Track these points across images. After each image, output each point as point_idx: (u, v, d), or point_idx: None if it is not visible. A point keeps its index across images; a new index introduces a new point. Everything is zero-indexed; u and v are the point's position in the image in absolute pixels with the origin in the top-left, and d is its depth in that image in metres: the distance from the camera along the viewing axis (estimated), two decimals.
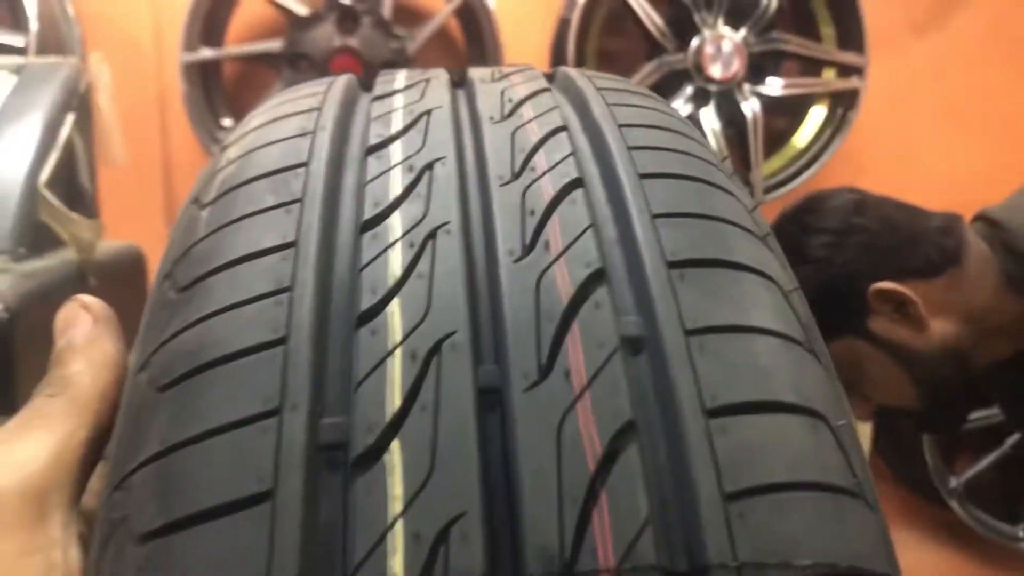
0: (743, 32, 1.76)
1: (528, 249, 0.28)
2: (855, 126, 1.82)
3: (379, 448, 0.23)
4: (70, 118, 0.98)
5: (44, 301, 0.81)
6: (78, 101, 1.02)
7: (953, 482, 1.79)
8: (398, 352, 0.25)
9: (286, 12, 1.73)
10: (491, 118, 0.34)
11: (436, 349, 0.25)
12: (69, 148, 0.97)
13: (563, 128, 0.33)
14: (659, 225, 0.29)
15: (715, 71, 1.73)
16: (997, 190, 1.22)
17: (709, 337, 0.26)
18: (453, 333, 0.25)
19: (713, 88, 1.75)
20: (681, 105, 1.75)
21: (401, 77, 0.39)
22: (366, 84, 0.40)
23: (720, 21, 1.75)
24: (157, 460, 0.24)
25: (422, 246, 0.28)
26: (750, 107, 1.76)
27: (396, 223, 0.29)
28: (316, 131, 0.32)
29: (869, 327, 1.10)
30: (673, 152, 0.32)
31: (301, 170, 0.30)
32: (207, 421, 0.24)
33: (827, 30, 1.85)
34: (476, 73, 0.39)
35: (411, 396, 0.24)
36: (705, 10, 1.75)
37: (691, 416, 0.24)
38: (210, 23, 1.73)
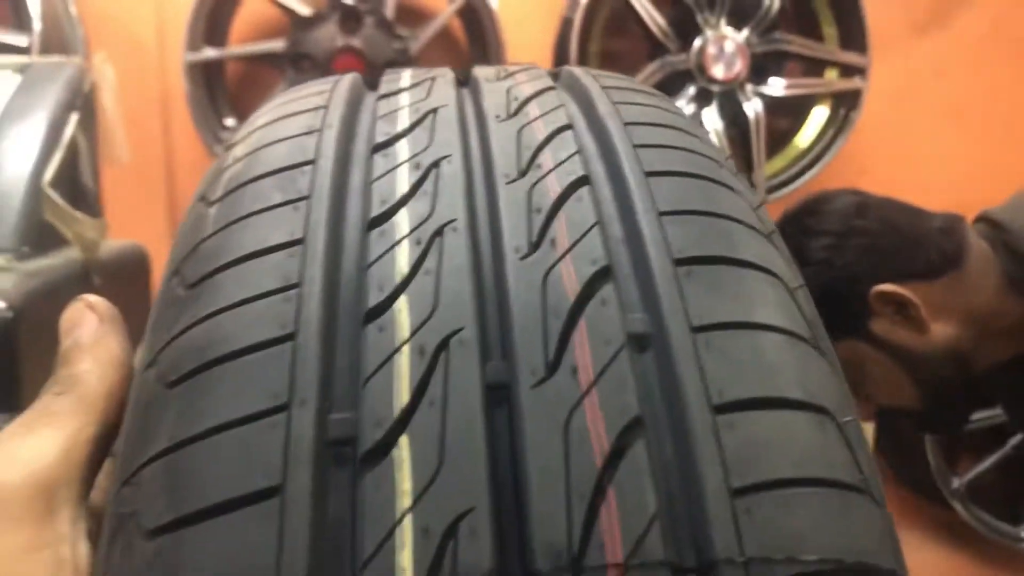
0: (745, 32, 1.76)
1: (535, 246, 0.28)
2: (857, 126, 1.82)
3: (387, 443, 0.23)
4: (74, 117, 0.99)
5: (48, 300, 0.82)
6: (82, 101, 1.02)
7: (955, 482, 1.79)
8: (406, 348, 0.25)
9: (289, 12, 1.73)
10: (497, 116, 0.34)
11: (444, 345, 0.25)
12: (73, 147, 0.98)
13: (569, 126, 0.33)
14: (665, 223, 0.29)
15: (718, 71, 1.73)
16: (999, 190, 1.22)
17: (715, 334, 0.26)
18: (461, 329, 0.25)
19: (716, 88, 1.75)
20: (684, 105, 1.75)
21: (406, 76, 0.39)
22: (371, 83, 0.40)
23: (723, 21, 1.75)
24: (166, 455, 0.24)
25: (429, 243, 0.28)
26: (752, 107, 1.76)
27: (403, 220, 0.29)
28: (323, 129, 0.33)
29: (870, 329, 1.10)
30: (678, 150, 0.33)
31: (308, 168, 0.30)
32: (216, 417, 0.24)
33: (829, 30, 1.85)
34: (481, 72, 0.39)
35: (419, 392, 0.24)
36: (708, 10, 1.75)
37: (698, 412, 0.24)
38: (213, 23, 1.74)
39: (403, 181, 0.30)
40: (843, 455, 0.25)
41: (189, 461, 0.24)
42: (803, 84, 1.86)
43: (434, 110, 0.34)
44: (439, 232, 0.28)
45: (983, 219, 1.16)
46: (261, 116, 0.35)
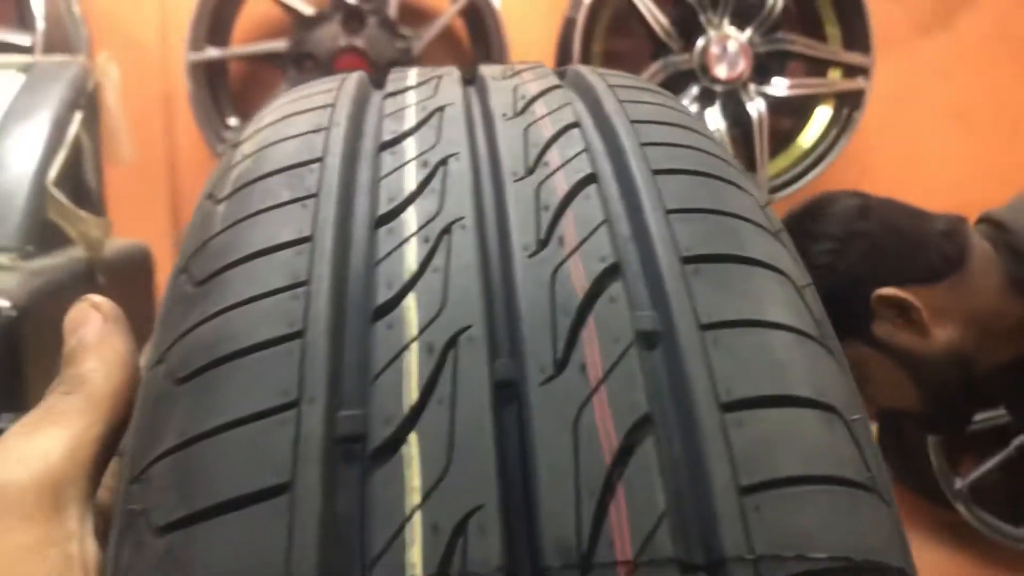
0: (749, 32, 1.76)
1: (543, 244, 0.28)
2: (860, 126, 1.82)
3: (397, 440, 0.23)
4: (78, 117, 0.99)
5: (52, 298, 0.82)
6: (86, 100, 1.02)
7: (958, 483, 1.78)
8: (415, 345, 0.25)
9: (292, 12, 1.73)
10: (504, 114, 0.34)
11: (452, 342, 0.25)
12: (77, 146, 0.98)
13: (576, 124, 0.33)
14: (672, 221, 0.29)
15: (721, 71, 1.73)
16: (1002, 190, 1.22)
17: (724, 331, 0.26)
18: (469, 327, 0.25)
19: (718, 88, 1.75)
20: (687, 105, 1.74)
21: (413, 74, 0.39)
22: (377, 81, 0.40)
23: (726, 21, 1.75)
24: (175, 452, 0.24)
25: (437, 241, 0.28)
26: (755, 107, 1.76)
27: (411, 218, 0.29)
28: (330, 127, 0.33)
29: (872, 332, 1.10)
30: (685, 148, 0.33)
31: (316, 165, 0.30)
32: (225, 414, 0.24)
33: (832, 30, 1.85)
34: (487, 70, 0.39)
35: (428, 389, 0.24)
36: (711, 10, 1.75)
37: (706, 410, 0.24)
38: (216, 23, 1.74)
39: (411, 179, 0.30)
40: (851, 453, 0.25)
41: (198, 458, 0.24)
42: (806, 84, 1.85)
43: (441, 108, 0.34)
44: (447, 230, 0.28)
45: (985, 220, 1.16)
46: (268, 114, 0.35)
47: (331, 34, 1.72)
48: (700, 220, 0.29)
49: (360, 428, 0.24)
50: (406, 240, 0.28)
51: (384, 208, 0.29)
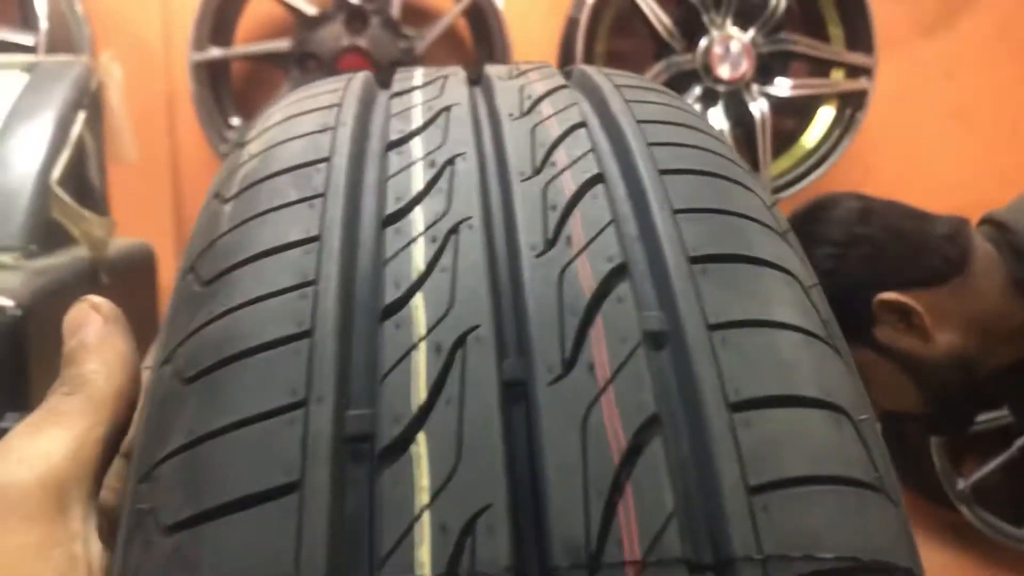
0: (751, 33, 1.76)
1: (550, 244, 0.28)
2: (863, 127, 1.82)
3: (405, 440, 0.23)
4: (81, 116, 0.99)
5: (56, 298, 0.82)
6: (89, 99, 1.02)
7: (960, 484, 1.78)
8: (423, 345, 0.25)
9: (295, 12, 1.73)
10: (510, 114, 0.34)
11: (460, 342, 0.25)
12: (81, 146, 0.98)
13: (582, 124, 0.33)
14: (680, 220, 0.29)
15: (723, 72, 1.73)
16: (1005, 191, 1.22)
17: (731, 332, 0.26)
18: (477, 327, 0.25)
19: (721, 89, 1.75)
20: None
21: (419, 74, 0.39)
22: (383, 81, 0.40)
23: (728, 21, 1.75)
24: (184, 451, 0.24)
25: (445, 240, 0.28)
26: (758, 108, 1.76)
27: (418, 218, 0.29)
28: (337, 127, 0.33)
29: (874, 336, 1.10)
30: (692, 148, 0.33)
31: (323, 165, 0.31)
32: (234, 412, 0.24)
33: (835, 31, 1.85)
34: (493, 70, 0.39)
35: (436, 388, 0.24)
36: (714, 10, 1.75)
37: (715, 410, 0.24)
38: (219, 22, 1.74)
39: (418, 178, 0.30)
40: (859, 453, 0.25)
41: (207, 457, 0.24)
42: (809, 84, 1.85)
43: (447, 108, 0.34)
44: (455, 229, 0.28)
45: (987, 221, 1.16)
46: (275, 113, 0.36)
47: (334, 34, 1.72)
48: (707, 220, 0.29)
49: (368, 427, 0.24)
50: (414, 240, 0.28)
51: (391, 208, 0.29)
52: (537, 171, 0.30)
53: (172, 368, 0.27)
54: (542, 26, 1.85)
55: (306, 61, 1.73)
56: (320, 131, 0.32)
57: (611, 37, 1.81)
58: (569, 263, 0.27)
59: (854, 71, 1.83)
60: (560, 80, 0.38)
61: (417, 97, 0.36)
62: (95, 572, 0.26)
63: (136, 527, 0.24)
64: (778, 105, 1.80)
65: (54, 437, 0.27)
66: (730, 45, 1.73)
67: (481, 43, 1.82)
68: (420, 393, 0.24)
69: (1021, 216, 1.12)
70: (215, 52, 1.73)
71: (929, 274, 1.08)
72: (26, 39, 1.64)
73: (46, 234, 0.88)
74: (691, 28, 1.76)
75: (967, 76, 2.01)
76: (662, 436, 0.24)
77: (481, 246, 0.28)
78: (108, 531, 0.27)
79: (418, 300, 0.26)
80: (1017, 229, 1.10)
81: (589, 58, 1.75)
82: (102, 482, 0.28)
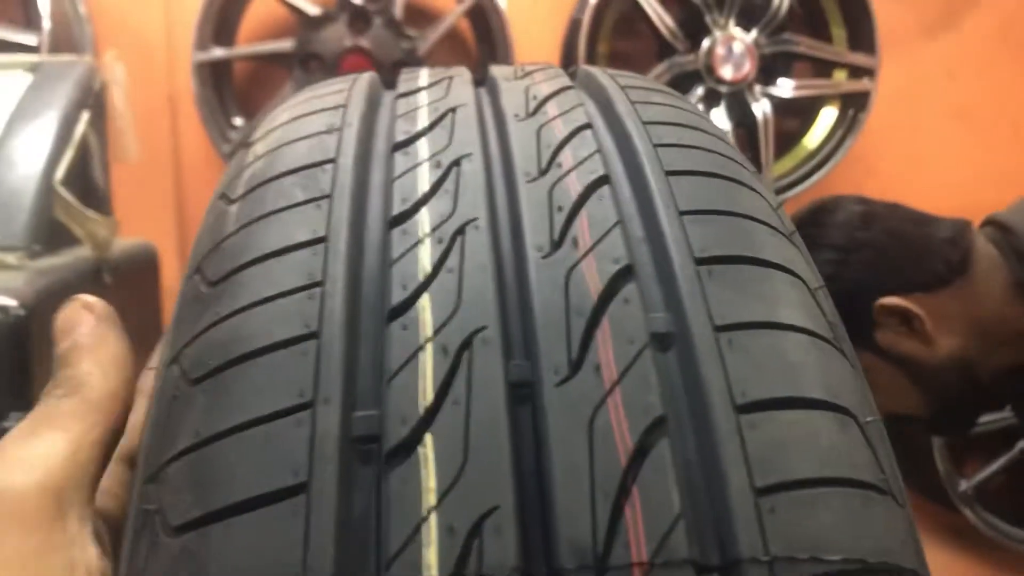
0: (754, 33, 1.76)
1: (556, 245, 0.28)
2: (866, 127, 1.82)
3: (412, 441, 0.23)
4: (85, 116, 0.99)
5: (60, 298, 0.82)
6: (93, 99, 1.02)
7: (963, 485, 1.78)
8: (429, 346, 0.25)
9: (297, 12, 1.73)
10: (516, 115, 0.34)
11: (467, 343, 0.25)
12: (84, 146, 0.98)
13: (588, 125, 0.33)
14: (686, 222, 0.29)
15: (726, 72, 1.73)
16: (1007, 192, 1.22)
17: (738, 333, 0.26)
18: (484, 328, 0.25)
19: (724, 89, 1.75)
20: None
21: (424, 75, 0.39)
22: (388, 82, 0.40)
23: (731, 22, 1.74)
24: (191, 452, 0.24)
25: (451, 241, 0.28)
26: (761, 108, 1.76)
27: (425, 219, 0.29)
28: (343, 128, 0.33)
29: (876, 340, 1.10)
30: (698, 149, 0.33)
31: (329, 166, 0.31)
32: (241, 413, 0.24)
33: (838, 31, 1.84)
34: (498, 71, 0.39)
35: (443, 390, 0.24)
36: (716, 11, 1.75)
37: (721, 412, 0.24)
38: (221, 22, 1.74)
39: (424, 179, 0.30)
40: (865, 455, 0.25)
41: (214, 458, 0.24)
42: (812, 85, 1.85)
43: (453, 109, 0.34)
44: (461, 230, 0.28)
45: (990, 223, 1.16)
46: (280, 114, 0.36)
47: (337, 34, 1.72)
48: (713, 222, 0.29)
49: (375, 428, 0.24)
50: (420, 241, 0.28)
51: (398, 209, 0.29)
52: (543, 172, 0.30)
53: (179, 368, 0.27)
54: (544, 27, 1.85)
55: (309, 61, 1.73)
56: (326, 132, 0.33)
57: (613, 38, 1.81)
58: (575, 264, 0.27)
59: (857, 72, 1.82)
60: (565, 81, 0.38)
61: (423, 98, 0.36)
62: None
63: (143, 527, 0.24)
64: (780, 106, 1.80)
65: (51, 441, 0.27)
66: (733, 46, 1.73)
67: (483, 44, 1.82)
68: (427, 394, 0.24)
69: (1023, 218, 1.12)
70: (218, 52, 1.73)
71: (931, 278, 1.08)
72: (29, 39, 1.64)
73: (50, 234, 0.88)
74: (694, 29, 1.75)
75: (969, 77, 2.01)
76: (669, 438, 0.24)
77: (487, 247, 0.28)
78: (105, 535, 0.27)
79: (425, 301, 0.26)
80: (1019, 231, 1.10)
81: (591, 59, 1.74)
82: (98, 485, 0.28)
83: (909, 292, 1.08)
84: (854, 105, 1.83)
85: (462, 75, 0.39)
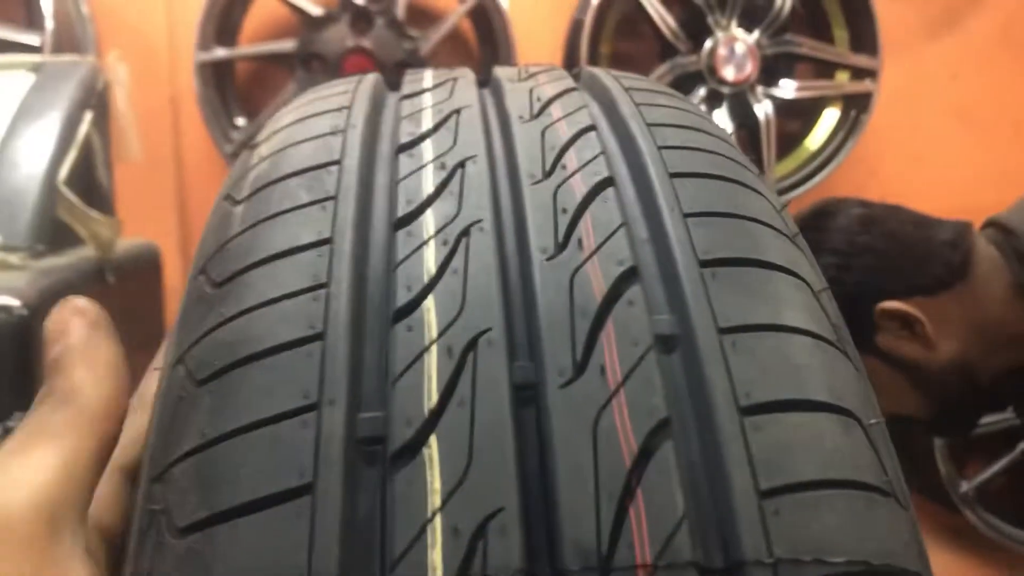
0: (756, 34, 1.76)
1: (561, 247, 0.28)
2: (868, 129, 1.82)
3: (418, 442, 0.23)
4: (88, 116, 0.99)
5: (63, 298, 0.82)
6: (96, 99, 1.02)
7: (964, 486, 1.78)
8: (434, 348, 0.25)
9: (300, 12, 1.73)
10: (520, 117, 0.34)
11: (472, 345, 0.25)
12: (87, 146, 0.98)
13: (592, 127, 0.33)
14: (690, 224, 0.29)
15: (728, 73, 1.73)
16: (1011, 192, 1.22)
17: (742, 335, 0.26)
18: (488, 329, 0.25)
19: (726, 90, 1.75)
20: None
21: (428, 76, 0.39)
22: (392, 83, 0.40)
23: (733, 23, 1.75)
24: (197, 453, 0.24)
25: (456, 243, 0.28)
26: (763, 109, 1.76)
27: (429, 220, 0.29)
28: (347, 129, 0.33)
29: (876, 344, 1.10)
30: (702, 152, 0.33)
31: (334, 168, 0.31)
32: (247, 414, 0.24)
33: (840, 32, 1.84)
34: (502, 72, 0.39)
35: (448, 391, 0.24)
36: (718, 12, 1.75)
37: (725, 414, 0.24)
38: (224, 23, 1.74)
39: (429, 181, 0.30)
40: (869, 457, 0.25)
41: (220, 459, 0.24)
42: (814, 86, 1.85)
43: (457, 111, 0.34)
44: (466, 232, 0.28)
45: (992, 224, 1.16)
46: (285, 116, 0.36)
47: (339, 35, 1.72)
48: (717, 224, 0.29)
49: (380, 430, 0.24)
50: (425, 243, 0.28)
51: (403, 210, 0.29)
52: (548, 174, 0.31)
53: (184, 369, 0.27)
54: (546, 27, 1.85)
55: (311, 62, 1.73)
56: (331, 134, 0.33)
57: (616, 38, 1.81)
58: (580, 266, 0.27)
59: (859, 73, 1.83)
60: (569, 83, 0.38)
61: (427, 99, 0.36)
62: None
63: (149, 528, 0.24)
64: (783, 107, 1.80)
65: (44, 456, 0.26)
66: (735, 47, 1.73)
67: (485, 44, 1.82)
68: (432, 396, 0.24)
69: None
70: (220, 52, 1.73)
71: (931, 281, 1.08)
72: (32, 39, 1.65)
73: (53, 234, 0.88)
74: (696, 29, 1.75)
75: (971, 78, 2.01)
76: (673, 439, 0.24)
77: (492, 249, 0.28)
78: (100, 548, 0.27)
79: (429, 303, 0.26)
80: (1020, 232, 1.10)
81: (593, 59, 1.75)
82: (92, 497, 0.27)
83: (910, 296, 1.08)
84: (856, 106, 1.83)
85: (466, 76, 0.39)
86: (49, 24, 1.65)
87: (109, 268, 0.93)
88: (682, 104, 0.37)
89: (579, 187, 0.30)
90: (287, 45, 1.74)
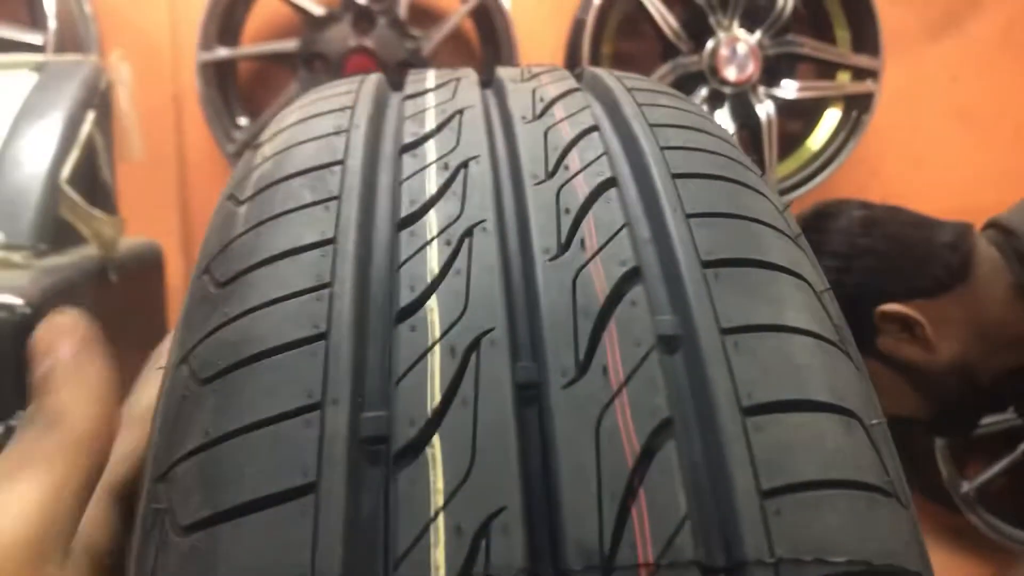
0: (758, 34, 1.76)
1: (564, 247, 0.28)
2: (869, 129, 1.82)
3: (421, 442, 0.23)
4: (91, 115, 0.99)
5: (65, 297, 0.82)
6: (99, 99, 1.02)
7: (965, 487, 1.78)
8: (437, 347, 0.25)
9: (302, 12, 1.73)
10: (523, 117, 0.34)
11: (475, 345, 0.25)
12: (90, 145, 0.98)
13: (595, 128, 0.33)
14: (693, 224, 0.29)
15: (730, 73, 1.73)
16: (1012, 193, 1.22)
17: (744, 336, 0.26)
18: (491, 329, 0.26)
19: (728, 90, 1.75)
20: None
21: (431, 76, 0.39)
22: (395, 83, 0.40)
23: (735, 23, 1.75)
24: (200, 452, 0.24)
25: (459, 243, 0.28)
26: (764, 110, 1.76)
27: (432, 221, 0.29)
28: (351, 129, 0.33)
29: (877, 346, 1.10)
30: (704, 152, 0.33)
31: (338, 168, 0.31)
32: (250, 414, 0.24)
33: (842, 33, 1.84)
34: (505, 73, 0.39)
35: (451, 391, 0.24)
36: (720, 12, 1.75)
37: (727, 414, 0.24)
38: (226, 22, 1.74)
39: (432, 181, 0.30)
40: (870, 457, 0.26)
41: (223, 458, 0.24)
42: (815, 87, 1.85)
43: (460, 111, 0.34)
44: (469, 232, 0.28)
45: (993, 225, 1.16)
46: (288, 116, 0.36)
47: (341, 34, 1.72)
48: (720, 224, 0.29)
49: (384, 429, 0.24)
50: (428, 243, 0.28)
51: (406, 211, 0.29)
52: (550, 174, 0.31)
53: (188, 369, 0.27)
54: (548, 27, 1.85)
55: (313, 61, 1.73)
56: (334, 134, 0.33)
57: (617, 38, 1.81)
58: (583, 267, 0.27)
59: (860, 73, 1.82)
60: (572, 83, 0.38)
61: (430, 100, 0.36)
62: None
63: (153, 527, 0.24)
64: (784, 107, 1.80)
65: (30, 486, 0.26)
66: (737, 47, 1.73)
67: (487, 44, 1.82)
68: (435, 395, 0.24)
69: None
70: (222, 52, 1.73)
71: (932, 283, 1.08)
72: (35, 38, 1.65)
73: (55, 233, 0.88)
74: (697, 30, 1.75)
75: (972, 79, 2.01)
76: (675, 439, 0.24)
77: (495, 249, 0.28)
78: (88, 569, 0.27)
79: (433, 303, 0.26)
80: (1021, 233, 1.10)
81: (595, 59, 1.75)
82: (79, 522, 0.27)
83: (910, 298, 1.08)
84: (857, 107, 1.83)
85: (469, 77, 0.39)
86: (52, 23, 1.65)
87: (112, 267, 0.93)
88: (684, 105, 0.37)
89: (582, 187, 0.30)
90: (289, 45, 1.74)
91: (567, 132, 0.33)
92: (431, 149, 0.32)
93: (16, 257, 0.82)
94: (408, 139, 0.33)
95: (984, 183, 1.87)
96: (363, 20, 1.72)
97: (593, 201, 0.29)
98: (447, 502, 0.22)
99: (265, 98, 1.82)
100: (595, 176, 0.30)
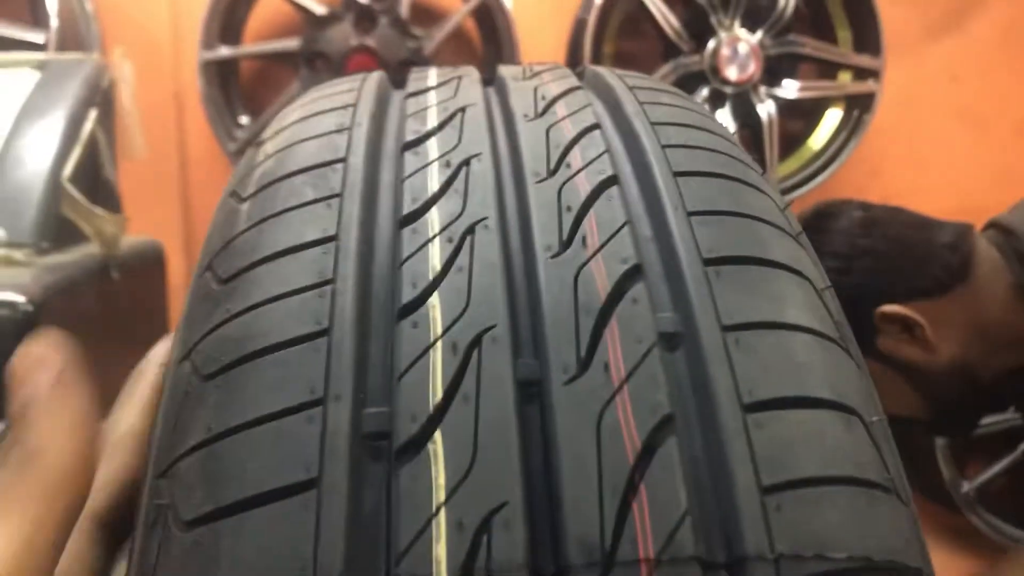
0: (759, 34, 1.76)
1: (565, 245, 0.28)
2: (870, 129, 1.82)
3: (422, 438, 0.23)
4: (93, 114, 0.99)
5: (67, 295, 0.82)
6: (101, 97, 1.02)
7: (965, 487, 1.78)
8: (439, 344, 0.25)
9: (304, 11, 1.73)
10: (525, 115, 0.34)
11: (477, 341, 0.25)
12: (92, 144, 0.98)
13: (596, 126, 0.33)
14: (694, 222, 0.29)
15: (731, 73, 1.73)
16: (1010, 192, 1.22)
17: (745, 333, 0.26)
18: (493, 326, 0.26)
19: (729, 90, 1.75)
20: None
21: (433, 74, 0.39)
22: (397, 81, 0.40)
23: (736, 23, 1.75)
24: (203, 448, 0.24)
25: (461, 241, 0.28)
26: (766, 109, 1.76)
27: (435, 218, 0.29)
28: (353, 127, 0.33)
29: (877, 347, 1.10)
30: (706, 150, 0.33)
31: (340, 165, 0.31)
32: (253, 409, 0.24)
33: (843, 33, 1.84)
34: (507, 71, 0.39)
35: (453, 387, 0.24)
36: (722, 12, 1.75)
37: (728, 410, 0.24)
38: (228, 21, 1.74)
39: (434, 179, 0.30)
40: (870, 454, 0.26)
41: (226, 453, 0.24)
42: (816, 87, 1.85)
43: (462, 109, 0.34)
44: (471, 230, 0.28)
45: (993, 225, 1.16)
46: (290, 113, 0.36)
47: (343, 33, 1.72)
48: (721, 222, 0.29)
49: (386, 425, 0.24)
50: (430, 240, 0.28)
51: (408, 208, 0.29)
52: (552, 172, 0.31)
53: (191, 365, 0.27)
54: (550, 26, 1.85)
55: (315, 60, 1.73)
56: (336, 131, 0.33)
57: (619, 38, 1.81)
58: (584, 264, 0.27)
59: (861, 73, 1.82)
60: (574, 81, 0.38)
61: (432, 98, 0.36)
62: None
63: (155, 523, 0.25)
64: (785, 107, 1.80)
65: (7, 531, 0.24)
66: (738, 47, 1.73)
67: (489, 43, 1.82)
68: (437, 392, 0.24)
69: None
70: (224, 51, 1.73)
71: (932, 284, 1.08)
72: (37, 37, 1.65)
73: (57, 231, 0.89)
74: (699, 29, 1.76)
75: (972, 79, 2.01)
76: (676, 436, 0.24)
77: (497, 247, 0.28)
78: None
79: (435, 300, 0.26)
80: (1021, 233, 1.10)
81: (597, 59, 1.75)
82: (58, 560, 0.26)
83: (910, 299, 1.08)
84: (859, 106, 1.83)
85: (471, 75, 0.39)
86: (54, 22, 1.65)
87: (114, 265, 0.93)
88: (686, 103, 0.37)
89: (583, 185, 0.30)
90: (291, 44, 1.74)
91: (569, 130, 0.33)
92: (433, 147, 0.32)
93: (18, 255, 0.82)
94: (410, 137, 0.33)
95: (985, 183, 1.87)
96: (365, 19, 1.72)
97: (595, 199, 0.29)
98: (449, 497, 0.22)
99: (267, 97, 1.82)
100: (597, 174, 0.30)
